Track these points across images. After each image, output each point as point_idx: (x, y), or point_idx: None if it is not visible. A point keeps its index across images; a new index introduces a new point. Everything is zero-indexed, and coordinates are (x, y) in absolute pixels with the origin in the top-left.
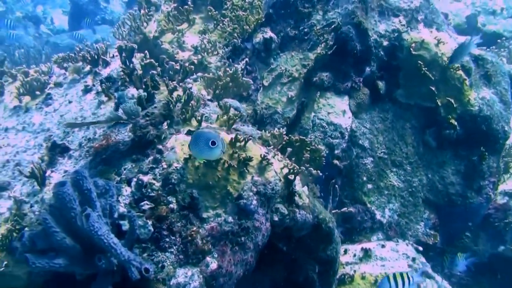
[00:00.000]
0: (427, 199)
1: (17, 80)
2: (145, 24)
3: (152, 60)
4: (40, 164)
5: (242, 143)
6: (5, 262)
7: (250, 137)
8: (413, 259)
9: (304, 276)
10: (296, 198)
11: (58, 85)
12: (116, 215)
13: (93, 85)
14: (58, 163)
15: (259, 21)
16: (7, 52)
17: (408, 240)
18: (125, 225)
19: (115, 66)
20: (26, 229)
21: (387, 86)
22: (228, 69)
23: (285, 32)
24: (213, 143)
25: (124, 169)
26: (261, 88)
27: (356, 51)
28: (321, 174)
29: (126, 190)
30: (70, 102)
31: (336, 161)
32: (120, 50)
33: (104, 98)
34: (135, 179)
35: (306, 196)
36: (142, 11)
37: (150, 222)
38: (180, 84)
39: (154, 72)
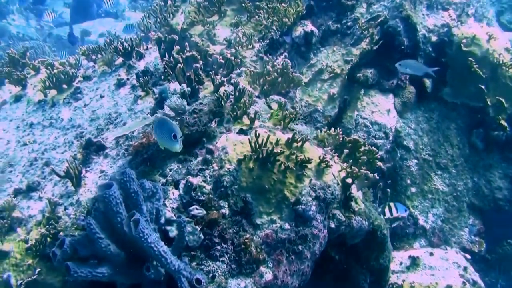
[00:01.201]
0: (472, 204)
1: (41, 72)
2: (171, 15)
3: (194, 52)
4: (75, 163)
5: (299, 144)
6: (38, 270)
7: (308, 137)
8: (465, 269)
9: (355, 286)
10: (352, 203)
11: (87, 78)
12: (162, 220)
13: (127, 79)
14: (93, 162)
15: (300, 13)
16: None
17: (452, 247)
18: (172, 231)
19: (150, 59)
20: (61, 234)
21: (433, 84)
22: (276, 63)
23: (326, 26)
24: (175, 136)
25: (170, 170)
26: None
27: (403, 46)
28: (377, 177)
29: (173, 193)
30: (101, 96)
31: (379, 163)
32: (158, 42)
33: (141, 93)
34: (183, 181)
35: (361, 201)
36: (169, 2)
37: (199, 228)
38: (225, 79)
39: (197, 65)
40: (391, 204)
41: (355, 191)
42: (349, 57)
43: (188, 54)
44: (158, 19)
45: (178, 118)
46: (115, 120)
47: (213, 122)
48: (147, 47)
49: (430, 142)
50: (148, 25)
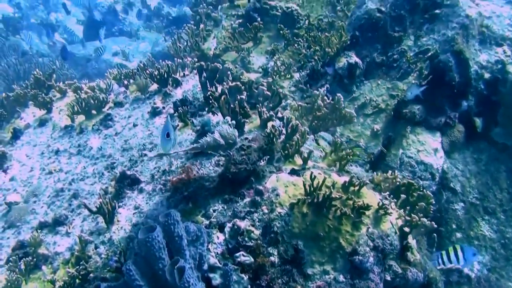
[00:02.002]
0: None
1: (67, 96)
2: (202, 40)
3: (238, 82)
4: (109, 198)
5: (357, 188)
6: None
7: (366, 181)
8: None
9: None
10: (409, 253)
11: (118, 104)
12: (205, 267)
13: (163, 107)
14: (126, 197)
15: (344, 44)
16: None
17: None
18: (216, 278)
19: (188, 87)
20: (91, 275)
21: (483, 124)
22: (326, 97)
23: (371, 58)
24: (168, 135)
25: (214, 211)
26: None
27: (454, 82)
28: (435, 226)
29: (218, 237)
30: (135, 125)
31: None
32: (199, 70)
33: (178, 123)
34: (229, 225)
35: (416, 251)
36: (201, 26)
37: (246, 278)
38: (272, 112)
39: (243, 97)
40: (457, 246)
41: (410, 240)
42: (394, 91)
43: (232, 84)
44: (189, 43)
45: (225, 155)
46: (150, 151)
47: (262, 160)
48: (183, 73)
49: (478, 185)
50: (178, 49)
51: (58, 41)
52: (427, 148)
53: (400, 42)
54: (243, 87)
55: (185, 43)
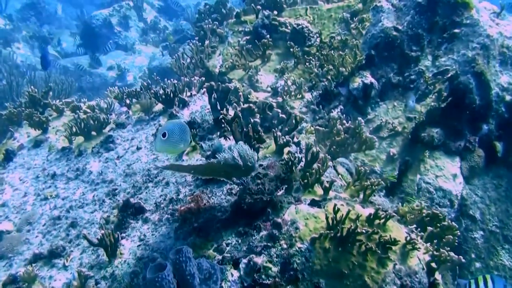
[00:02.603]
0: None
1: (64, 115)
2: (207, 57)
3: (252, 104)
4: (110, 228)
5: (382, 221)
6: None
7: (392, 214)
8: None
9: None
10: None
11: (120, 125)
12: None
13: None
14: (130, 227)
15: (359, 63)
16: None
17: None
18: None
19: (195, 108)
20: None
21: (504, 148)
22: (345, 121)
23: (387, 78)
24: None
25: (227, 245)
26: None
27: (474, 105)
28: (463, 260)
29: (233, 274)
30: (138, 148)
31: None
32: (209, 91)
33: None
34: (244, 260)
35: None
36: (206, 42)
37: None
38: (288, 137)
39: (257, 120)
40: (487, 276)
41: (438, 276)
42: (412, 113)
43: (244, 106)
44: (194, 60)
45: (238, 182)
46: (156, 177)
47: (280, 189)
48: (190, 93)
49: (498, 212)
50: (181, 66)
51: (52, 55)
52: (445, 173)
53: (417, 62)
54: (256, 109)
55: (189, 60)
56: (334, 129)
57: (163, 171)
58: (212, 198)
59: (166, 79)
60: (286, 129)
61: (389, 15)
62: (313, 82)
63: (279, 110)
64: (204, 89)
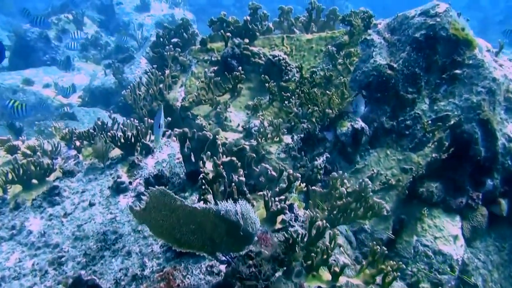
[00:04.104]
0: None
1: None
2: (167, 88)
3: (234, 158)
4: None
5: None
6: None
7: None
8: None
9: None
10: None
11: (68, 174)
12: None
13: (130, 183)
14: None
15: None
16: None
17: None
18: None
19: (162, 157)
20: None
21: (509, 206)
22: (347, 181)
23: (379, 122)
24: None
25: None
26: None
27: (479, 157)
28: None
29: None
30: (91, 204)
31: None
32: (182, 139)
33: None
34: None
35: None
36: (167, 71)
37: None
38: (279, 198)
39: (241, 178)
40: None
41: None
42: (407, 164)
43: (225, 159)
44: (151, 91)
45: (223, 260)
46: (114, 244)
47: (276, 271)
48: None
49: (501, 279)
50: (137, 98)
51: None
52: (445, 234)
53: (413, 105)
54: (239, 164)
55: (146, 91)
56: (335, 192)
57: (122, 236)
58: (188, 278)
59: (124, 119)
60: (277, 189)
61: (381, 50)
62: (292, 123)
63: (268, 167)
64: (169, 132)
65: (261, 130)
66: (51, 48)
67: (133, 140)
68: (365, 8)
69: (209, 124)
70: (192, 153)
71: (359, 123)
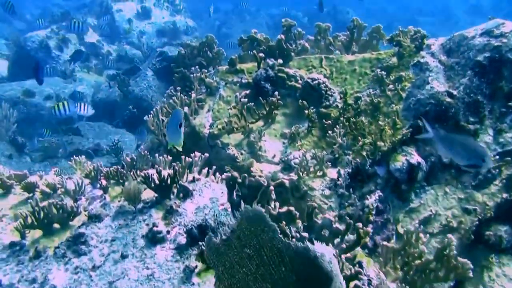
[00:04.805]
0: None
1: (13, 192)
2: (193, 113)
3: (292, 208)
4: None
5: None
6: None
7: None
8: None
9: None
10: None
11: (95, 218)
12: None
13: (168, 232)
14: None
15: (405, 137)
16: None
17: None
18: None
19: (203, 201)
20: None
21: None
22: (422, 235)
23: (436, 156)
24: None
25: None
26: (394, 239)
27: None
28: None
29: None
30: (124, 256)
31: None
32: (230, 184)
33: (196, 264)
34: None
35: None
36: (193, 95)
37: None
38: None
39: (304, 234)
40: None
41: None
42: (470, 204)
43: (282, 210)
44: None
45: None
46: None
47: None
48: (193, 177)
49: None
50: (160, 124)
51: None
52: None
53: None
54: (297, 214)
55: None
56: (412, 249)
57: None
58: None
59: (157, 155)
60: (344, 246)
61: (438, 75)
62: (336, 155)
63: (332, 218)
64: (207, 170)
65: (303, 163)
66: (51, 57)
67: (169, 181)
68: (414, 27)
69: (241, 154)
70: (242, 201)
71: (415, 158)
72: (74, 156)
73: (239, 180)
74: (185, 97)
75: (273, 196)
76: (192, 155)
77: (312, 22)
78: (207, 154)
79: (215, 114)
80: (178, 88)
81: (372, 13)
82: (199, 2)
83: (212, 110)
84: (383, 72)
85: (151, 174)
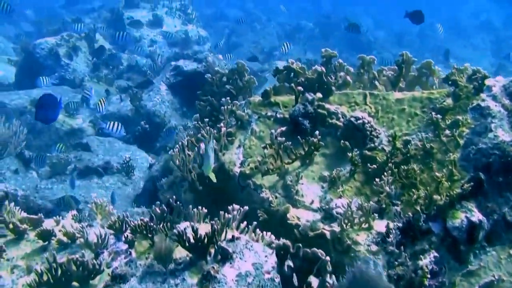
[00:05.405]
0: None
1: (25, 238)
2: (222, 149)
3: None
4: None
5: None
6: None
7: None
8: None
9: None
10: None
11: (119, 279)
12: None
13: None
14: None
15: (464, 192)
16: None
17: None
18: None
19: (245, 267)
20: None
21: None
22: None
23: (500, 214)
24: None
25: None
26: None
27: None
28: None
29: None
30: None
31: None
32: (280, 253)
33: None
34: None
35: None
36: (223, 129)
37: None
38: None
39: None
40: None
41: None
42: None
43: None
44: (202, 151)
45: None
46: None
47: None
48: (232, 236)
49: None
50: (186, 160)
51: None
52: None
53: None
54: None
55: (197, 152)
56: None
57: None
58: None
59: (190, 206)
60: None
61: (502, 122)
62: (382, 205)
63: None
64: (245, 224)
65: (347, 213)
66: (60, 66)
67: (206, 241)
68: (471, 65)
69: (276, 197)
70: (294, 274)
71: (476, 215)
72: (95, 198)
73: (292, 251)
74: (214, 130)
75: (329, 268)
76: (230, 207)
77: (323, 33)
78: (246, 207)
79: (246, 150)
80: (206, 120)
81: (381, 26)
82: (207, 8)
83: (243, 146)
84: (438, 115)
85: (185, 231)
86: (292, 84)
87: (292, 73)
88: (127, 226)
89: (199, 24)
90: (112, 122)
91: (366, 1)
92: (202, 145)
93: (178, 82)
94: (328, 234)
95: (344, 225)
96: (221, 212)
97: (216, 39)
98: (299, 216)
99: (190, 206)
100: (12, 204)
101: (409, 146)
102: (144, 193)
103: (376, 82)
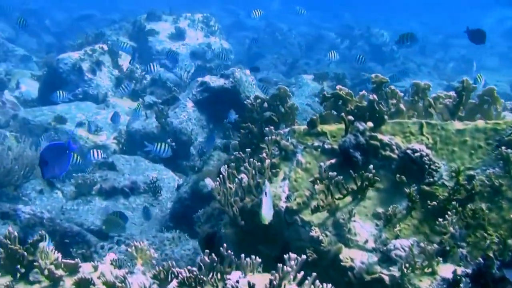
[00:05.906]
0: None
1: (60, 285)
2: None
3: None
4: None
5: None
6: None
7: None
8: None
9: None
10: None
11: None
12: None
13: None
14: None
15: None
16: None
17: None
18: None
19: None
20: None
21: None
22: None
23: None
24: None
25: None
26: None
27: None
28: None
29: None
30: None
31: None
32: None
33: None
34: None
35: None
36: (267, 161)
37: None
38: None
39: None
40: None
41: None
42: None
43: None
44: (244, 183)
45: None
46: None
47: None
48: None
49: None
50: (228, 193)
51: (9, 101)
52: None
53: None
54: None
55: (239, 184)
56: None
57: None
58: None
59: (243, 256)
60: None
61: None
62: (446, 247)
63: None
64: (302, 275)
65: (409, 257)
66: (83, 81)
67: None
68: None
69: (326, 236)
70: None
71: None
72: (134, 242)
73: None
74: (258, 163)
75: None
76: (286, 256)
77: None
78: (304, 257)
79: (292, 183)
80: (248, 150)
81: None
82: (227, 18)
83: (288, 178)
84: (508, 150)
85: (238, 284)
86: (343, 114)
87: (341, 101)
88: (173, 276)
89: (222, 36)
90: (159, 144)
91: (385, 10)
92: (245, 177)
93: (205, 99)
94: (387, 279)
95: (405, 269)
96: (279, 265)
97: (237, 50)
98: (353, 257)
99: (243, 255)
100: (45, 243)
101: (473, 182)
102: (173, 215)
103: (432, 110)
